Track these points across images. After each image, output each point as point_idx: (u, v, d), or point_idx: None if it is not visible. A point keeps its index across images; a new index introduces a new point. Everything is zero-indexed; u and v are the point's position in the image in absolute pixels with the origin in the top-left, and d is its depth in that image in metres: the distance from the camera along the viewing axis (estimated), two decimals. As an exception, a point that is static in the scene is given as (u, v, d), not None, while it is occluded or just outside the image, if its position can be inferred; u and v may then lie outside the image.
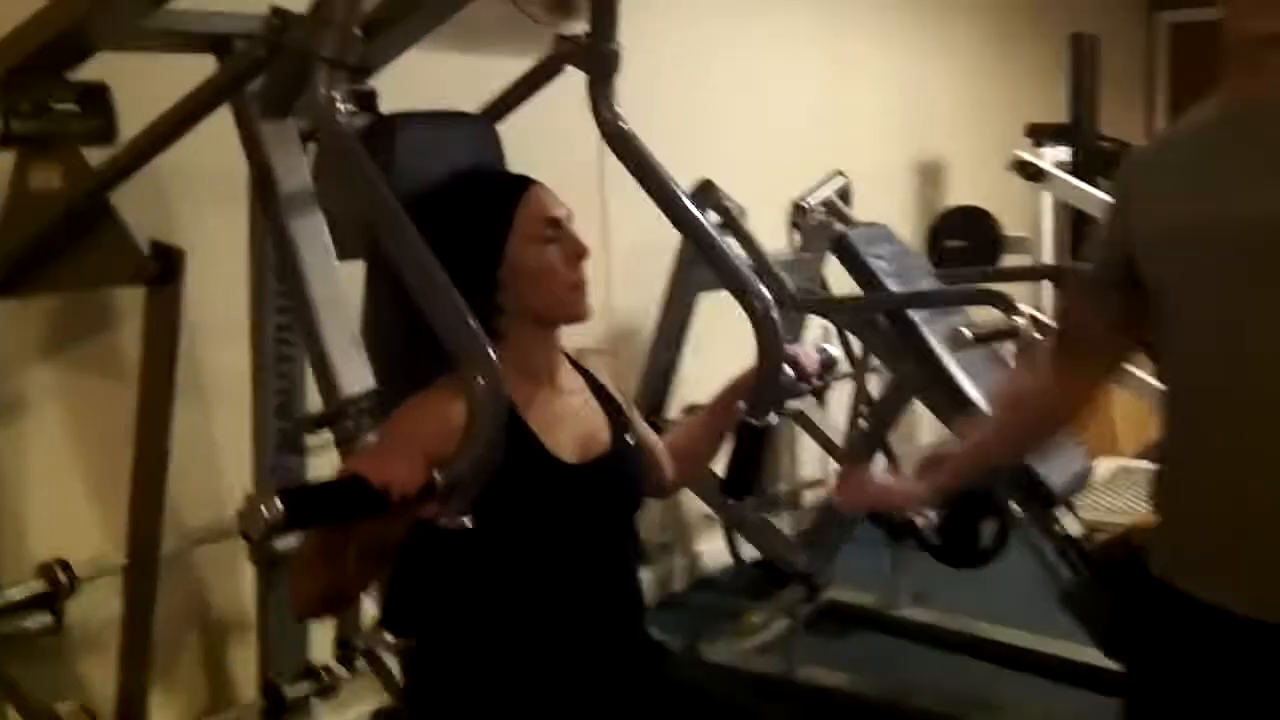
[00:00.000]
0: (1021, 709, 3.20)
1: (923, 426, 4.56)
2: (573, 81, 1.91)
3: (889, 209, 4.38)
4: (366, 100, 2.42)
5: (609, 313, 3.72)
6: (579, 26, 1.92)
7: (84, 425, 2.44)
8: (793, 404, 3.90)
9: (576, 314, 1.67)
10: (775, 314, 1.82)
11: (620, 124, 1.89)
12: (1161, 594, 1.49)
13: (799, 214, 3.71)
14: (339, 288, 2.05)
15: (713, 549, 4.30)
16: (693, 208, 1.88)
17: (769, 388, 1.83)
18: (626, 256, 3.59)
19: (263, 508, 1.22)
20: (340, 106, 1.49)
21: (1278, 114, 1.40)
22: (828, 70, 4.77)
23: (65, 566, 2.19)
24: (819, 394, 3.55)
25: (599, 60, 1.89)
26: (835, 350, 2.05)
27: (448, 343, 1.37)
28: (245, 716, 2.68)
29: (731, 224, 3.29)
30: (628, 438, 1.74)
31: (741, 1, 4.26)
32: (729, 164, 3.91)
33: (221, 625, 2.75)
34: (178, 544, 2.40)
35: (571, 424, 1.68)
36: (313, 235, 2.07)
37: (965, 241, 4.58)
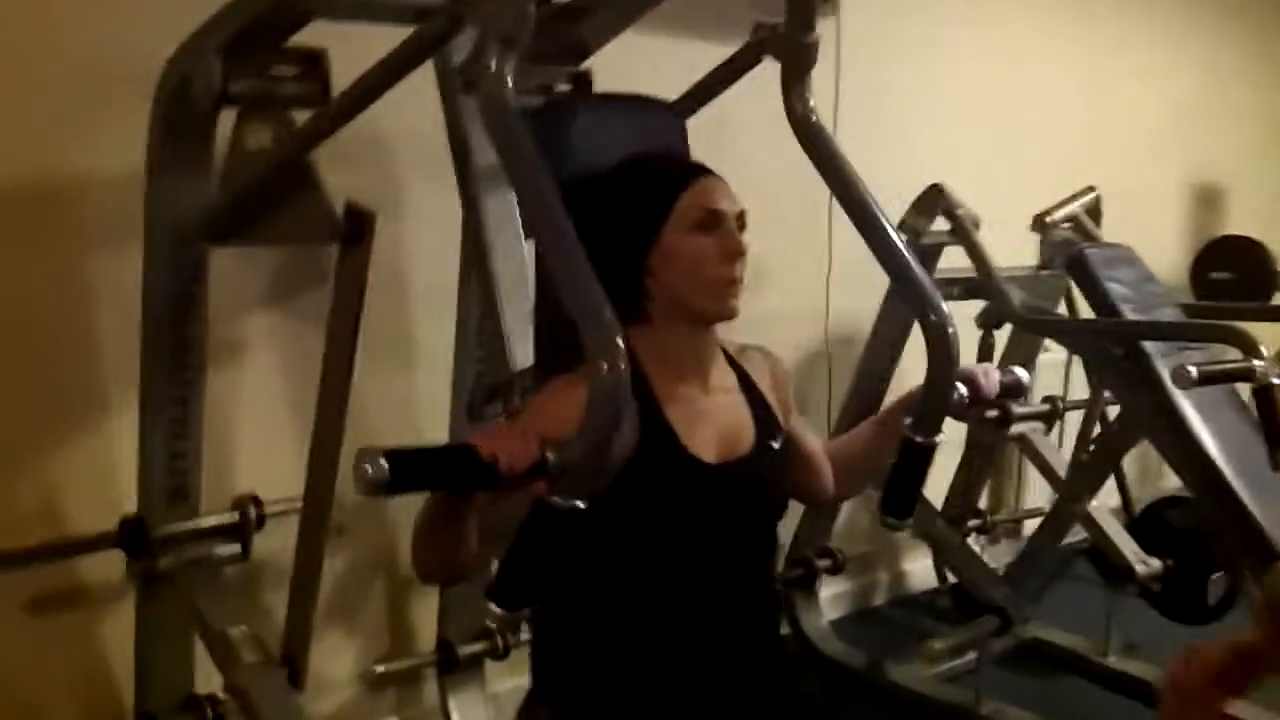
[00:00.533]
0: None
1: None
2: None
3: (1152, 232, 4.12)
4: (580, 81, 2.45)
5: (828, 314, 3.65)
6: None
7: (293, 372, 2.58)
8: (1018, 429, 3.74)
9: (723, 311, 1.63)
10: (952, 329, 1.73)
11: (812, 118, 1.84)
12: None
13: (1040, 228, 3.54)
14: (522, 266, 2.09)
15: (921, 567, 4.17)
16: (880, 211, 1.80)
17: (936, 405, 1.74)
18: (849, 257, 3.49)
19: (368, 466, 1.24)
20: (508, 81, 1.50)
21: None
22: (1091, 73, 4.50)
23: (256, 501, 2.32)
24: (1004, 419, 3.36)
25: (795, 52, 1.84)
26: (1024, 374, 1.93)
27: (579, 326, 1.36)
28: (420, 666, 2.78)
29: (960, 231, 3.16)
30: (773, 442, 1.69)
31: None
32: (974, 170, 3.77)
33: (407, 578, 2.86)
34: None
35: (714, 422, 1.65)
36: (502, 211, 2.12)
37: (1232, 274, 4.23)
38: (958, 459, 3.75)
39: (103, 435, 2.37)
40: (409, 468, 1.27)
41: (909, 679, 3.30)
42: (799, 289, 3.57)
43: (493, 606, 1.39)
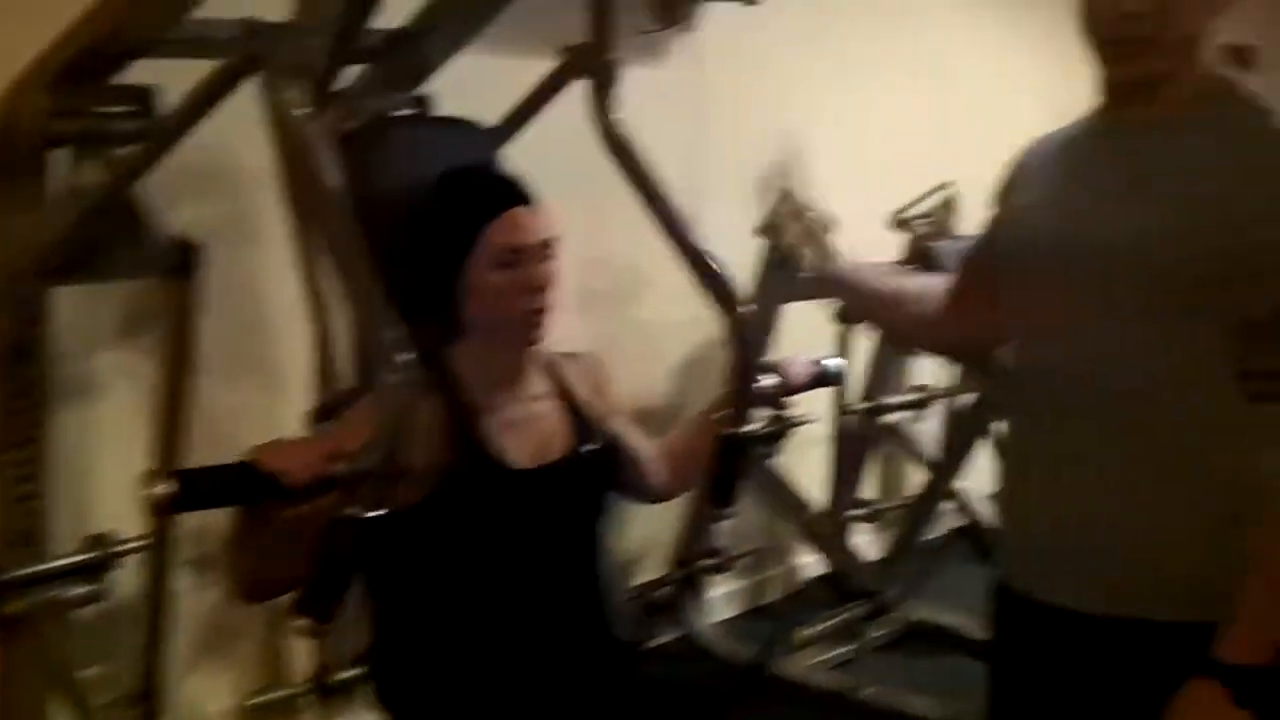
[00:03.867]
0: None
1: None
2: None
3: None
4: (421, 105, 2.50)
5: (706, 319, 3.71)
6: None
7: (149, 407, 2.59)
8: (890, 418, 3.85)
9: (528, 340, 1.69)
10: (750, 325, 1.81)
11: (620, 132, 1.91)
12: (1004, 597, 1.58)
13: (899, 225, 3.64)
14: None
15: (814, 561, 4.24)
16: (683, 218, 1.88)
17: (743, 398, 1.82)
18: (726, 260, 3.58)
19: (156, 485, 1.29)
20: (301, 113, 1.55)
21: (1123, 134, 1.47)
22: (949, 73, 4.62)
23: (108, 539, 2.33)
24: (876, 409, 3.45)
25: (600, 69, 1.92)
26: (835, 363, 2.02)
27: (366, 344, 1.42)
28: (296, 696, 2.79)
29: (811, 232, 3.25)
30: (589, 447, 1.75)
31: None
32: (839, 172, 3.88)
33: (281, 607, 2.87)
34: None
35: (529, 430, 1.71)
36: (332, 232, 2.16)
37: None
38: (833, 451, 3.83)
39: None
40: (195, 485, 1.32)
41: (795, 670, 3.38)
42: (680, 295, 3.62)
43: (298, 619, 1.43)
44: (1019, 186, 1.61)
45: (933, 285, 1.81)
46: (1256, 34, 5.31)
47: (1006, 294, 1.57)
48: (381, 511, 1.40)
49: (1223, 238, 1.36)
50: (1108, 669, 1.45)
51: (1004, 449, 1.62)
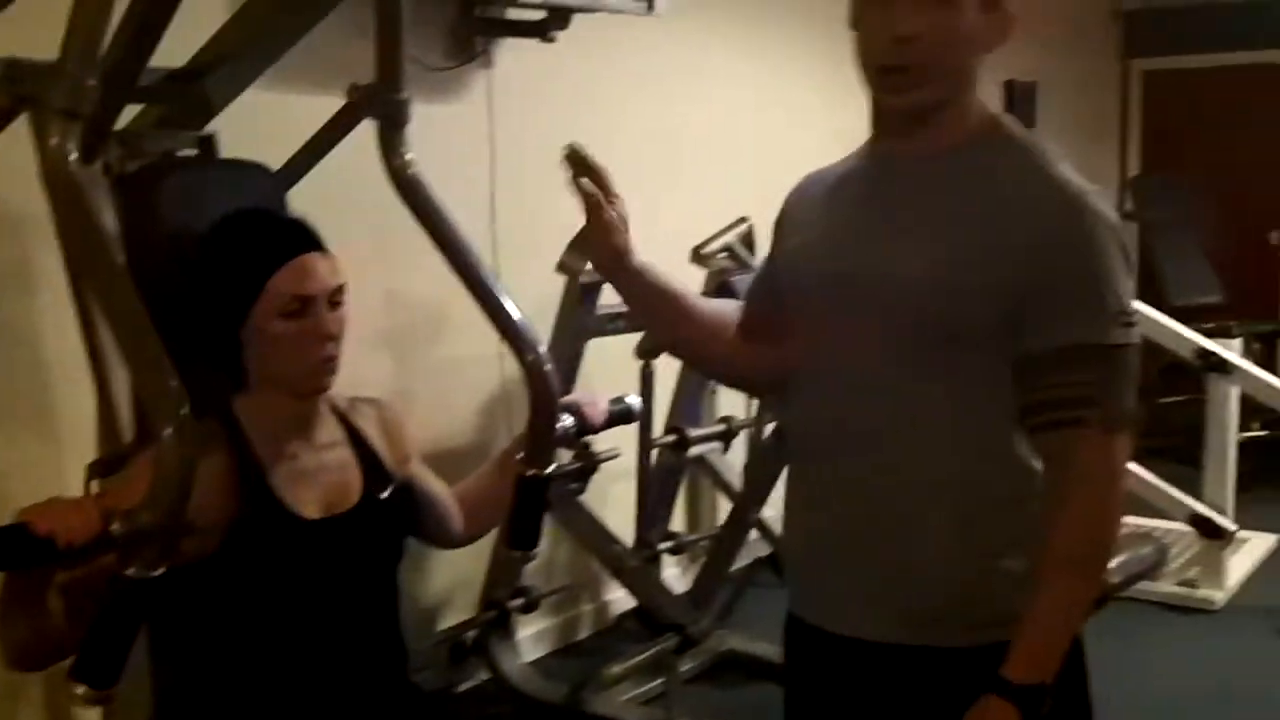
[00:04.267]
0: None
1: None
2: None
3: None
4: (205, 146, 2.43)
5: (502, 357, 3.71)
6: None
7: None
8: (696, 450, 3.91)
9: (315, 388, 1.66)
10: (548, 366, 1.82)
11: (410, 171, 1.90)
12: (793, 627, 1.62)
13: (698, 259, 3.71)
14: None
15: (624, 595, 4.26)
16: (476, 257, 1.88)
17: (543, 439, 1.82)
18: (519, 299, 3.58)
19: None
20: (70, 156, 1.49)
21: (892, 168, 1.50)
22: (752, 110, 4.74)
23: None
24: (681, 442, 3.51)
25: (389, 109, 1.90)
26: (635, 402, 2.04)
27: (143, 398, 1.36)
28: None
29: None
30: (381, 493, 1.72)
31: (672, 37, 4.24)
32: (642, 207, 3.90)
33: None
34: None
35: (319, 479, 1.67)
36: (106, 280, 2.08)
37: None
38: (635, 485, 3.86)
39: None
40: None
41: (606, 707, 3.37)
42: (477, 334, 3.61)
43: (77, 687, 1.36)
44: (791, 222, 1.63)
45: (728, 310, 1.75)
46: (1035, 70, 5.67)
47: (783, 328, 1.59)
48: (161, 571, 1.34)
49: (988, 274, 1.40)
50: (895, 696, 1.49)
51: (786, 481, 1.64)
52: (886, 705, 1.50)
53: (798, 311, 1.56)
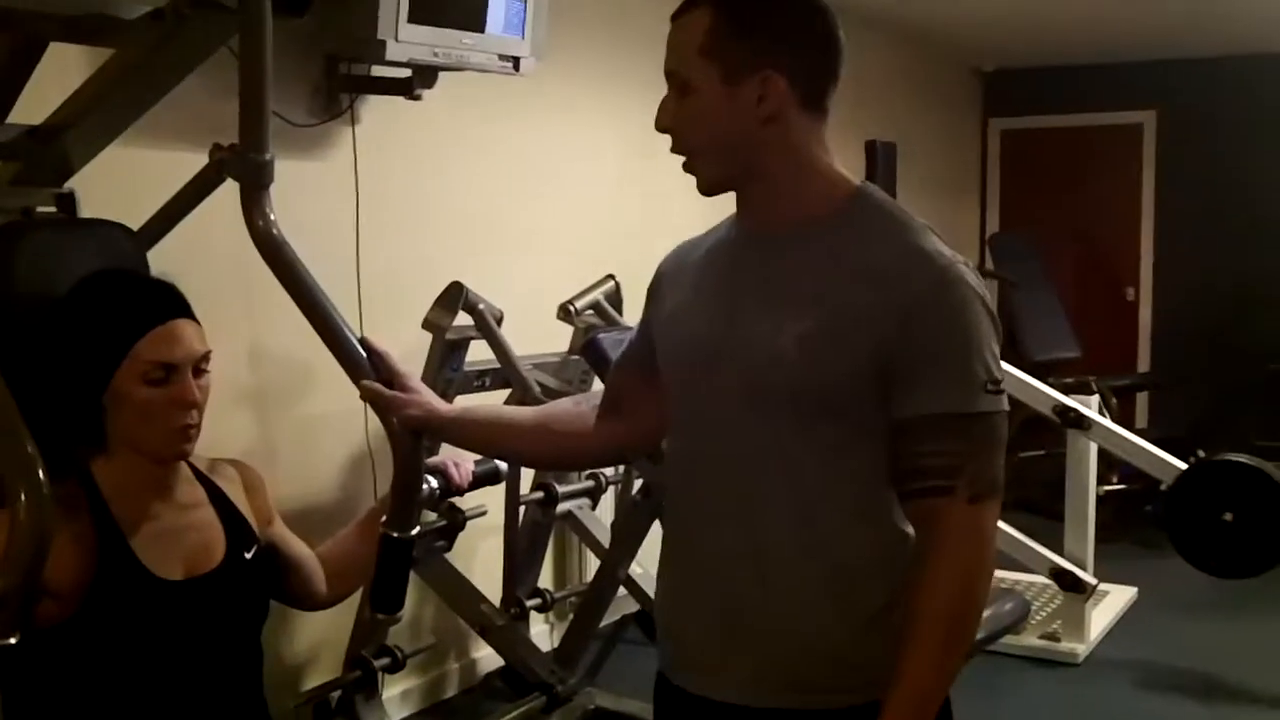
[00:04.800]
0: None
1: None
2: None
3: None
4: (64, 204, 2.39)
5: (366, 413, 3.68)
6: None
7: None
8: (565, 506, 3.92)
9: (176, 454, 1.65)
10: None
11: (273, 232, 1.89)
12: (663, 689, 1.61)
13: (565, 316, 3.75)
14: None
15: (491, 653, 4.23)
16: (342, 321, 1.87)
17: (407, 500, 1.82)
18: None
19: None
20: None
21: (756, 242, 1.52)
22: (619, 169, 4.81)
23: None
24: (550, 498, 3.52)
25: (251, 170, 1.89)
26: (501, 464, 2.06)
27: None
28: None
29: (482, 325, 3.30)
30: (245, 553, 1.71)
31: (523, 98, 4.29)
32: (506, 265, 3.97)
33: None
34: None
35: (181, 541, 1.66)
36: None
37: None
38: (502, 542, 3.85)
39: None
40: None
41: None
42: (342, 389, 3.58)
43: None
44: (665, 287, 1.63)
45: (564, 407, 1.80)
46: (897, 130, 5.85)
47: (654, 394, 1.60)
48: (15, 638, 1.32)
49: (857, 345, 1.41)
50: None
51: (661, 544, 1.64)
52: None
53: (670, 377, 1.57)
